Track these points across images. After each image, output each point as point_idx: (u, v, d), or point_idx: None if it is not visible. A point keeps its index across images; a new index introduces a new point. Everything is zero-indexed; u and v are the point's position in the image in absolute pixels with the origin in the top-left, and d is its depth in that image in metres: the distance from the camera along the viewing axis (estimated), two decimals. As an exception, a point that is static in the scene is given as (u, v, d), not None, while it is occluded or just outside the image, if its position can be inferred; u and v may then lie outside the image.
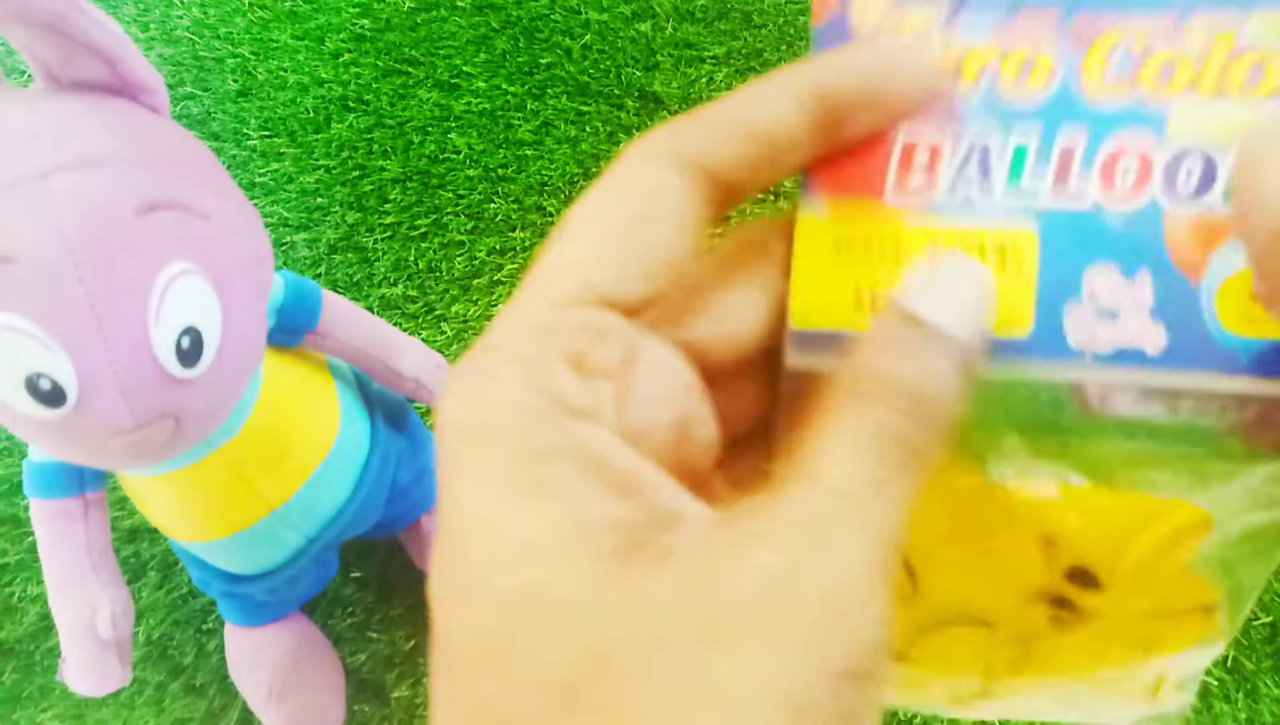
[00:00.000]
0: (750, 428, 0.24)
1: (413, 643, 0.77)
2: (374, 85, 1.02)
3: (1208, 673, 0.72)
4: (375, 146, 0.99)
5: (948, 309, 0.20)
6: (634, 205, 0.21)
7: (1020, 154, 0.21)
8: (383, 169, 0.97)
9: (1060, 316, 0.20)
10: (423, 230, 0.94)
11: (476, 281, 0.92)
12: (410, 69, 1.03)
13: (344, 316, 0.65)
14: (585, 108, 1.00)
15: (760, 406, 0.24)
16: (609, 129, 0.99)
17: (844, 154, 0.21)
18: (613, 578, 0.17)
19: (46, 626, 0.76)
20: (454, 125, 1.00)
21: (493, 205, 0.95)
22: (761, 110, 0.21)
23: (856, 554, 0.17)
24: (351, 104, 1.01)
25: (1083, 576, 0.24)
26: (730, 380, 0.23)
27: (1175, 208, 0.20)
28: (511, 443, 0.18)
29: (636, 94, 1.01)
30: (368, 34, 1.06)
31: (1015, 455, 0.22)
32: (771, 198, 0.91)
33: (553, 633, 0.17)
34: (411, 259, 0.92)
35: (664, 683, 0.16)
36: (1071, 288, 0.20)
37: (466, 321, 0.90)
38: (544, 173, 0.97)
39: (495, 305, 0.90)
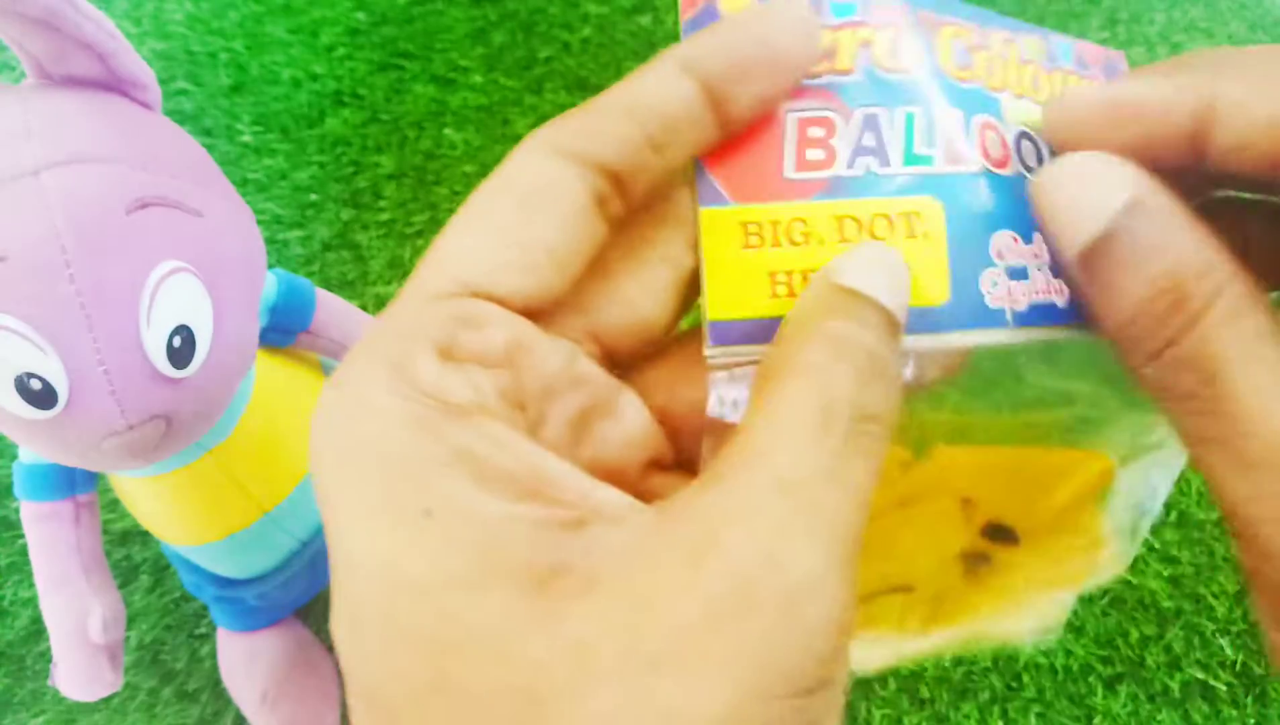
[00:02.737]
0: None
1: (409, 646, 0.76)
2: (369, 80, 1.02)
3: (1215, 677, 0.72)
4: (370, 142, 0.98)
5: (875, 280, 0.20)
6: (511, 198, 0.20)
7: (910, 122, 0.21)
8: (377, 165, 0.96)
9: (976, 281, 0.21)
10: (418, 227, 0.93)
11: (473, 279, 0.91)
12: (405, 63, 1.03)
13: (338, 315, 0.64)
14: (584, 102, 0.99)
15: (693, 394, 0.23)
16: (608, 125, 0.97)
17: (735, 139, 0.21)
18: (540, 611, 0.16)
19: (38, 630, 0.76)
20: (450, 120, 0.99)
21: (489, 202, 0.94)
22: (644, 91, 0.20)
23: (810, 558, 0.16)
24: (346, 99, 1.01)
25: (1001, 532, 0.26)
26: (649, 366, 0.23)
27: (1034, 177, 0.22)
28: (388, 461, 0.17)
29: (636, 89, 1.00)
30: (362, 28, 1.05)
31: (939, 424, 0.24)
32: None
33: (486, 675, 0.16)
34: (407, 257, 0.91)
35: (607, 718, 0.15)
36: (982, 254, 0.21)
37: (463, 320, 0.89)
38: (541, 169, 0.95)
39: (492, 303, 0.89)
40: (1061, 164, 0.20)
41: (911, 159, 0.21)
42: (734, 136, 0.21)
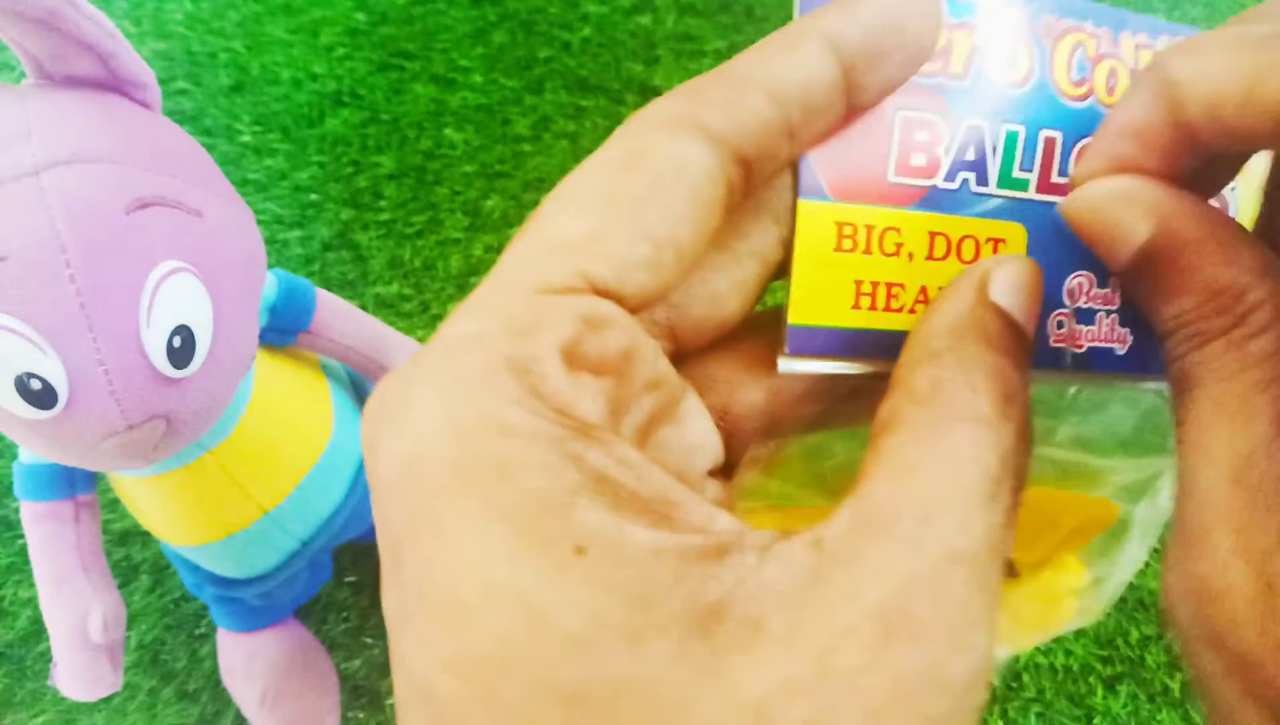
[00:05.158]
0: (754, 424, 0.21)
1: (409, 647, 0.76)
2: (369, 80, 1.02)
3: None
4: (370, 142, 0.98)
5: (1026, 307, 0.19)
6: (642, 180, 0.17)
7: (1011, 143, 0.20)
8: (377, 165, 0.96)
9: (1045, 319, 0.21)
10: (418, 227, 0.93)
11: (473, 280, 0.91)
12: (405, 63, 1.03)
13: (338, 315, 0.64)
14: (584, 102, 0.99)
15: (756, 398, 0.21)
16: (608, 124, 0.98)
17: (839, 131, 0.19)
18: (709, 665, 0.14)
19: (38, 630, 0.76)
20: (450, 120, 0.99)
21: (489, 202, 0.94)
22: (788, 70, 0.18)
23: (987, 640, 0.15)
24: (346, 99, 1.01)
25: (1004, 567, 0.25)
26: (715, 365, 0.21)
27: (1061, 203, 0.21)
28: (527, 488, 0.15)
29: (636, 88, 1.00)
30: (362, 28, 1.05)
31: None
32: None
33: None
34: (407, 257, 0.91)
35: None
36: (1055, 292, 0.21)
37: (463, 320, 0.88)
38: (542, 169, 0.96)
39: (492, 303, 0.89)
40: (1091, 190, 0.20)
41: (1007, 181, 0.20)
42: (840, 126, 0.20)
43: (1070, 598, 0.26)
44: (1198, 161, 0.19)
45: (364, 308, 0.68)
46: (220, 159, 0.53)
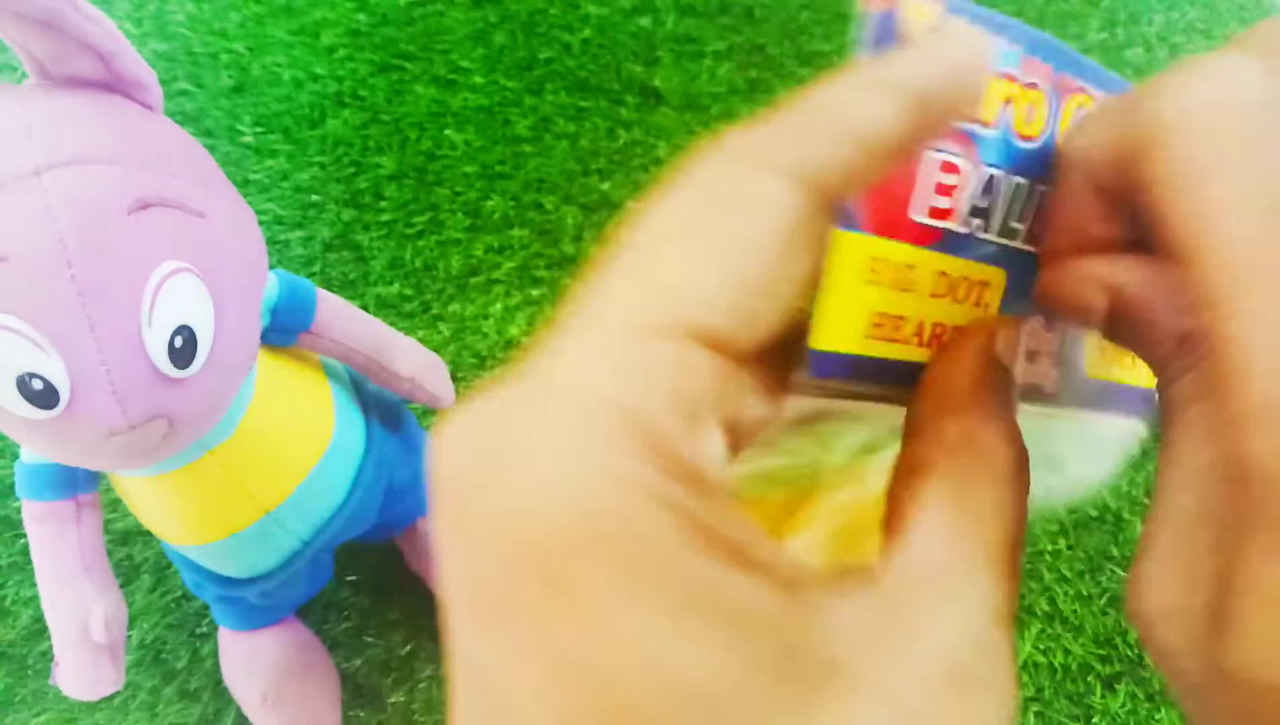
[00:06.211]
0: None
1: (409, 647, 0.77)
2: (370, 81, 1.02)
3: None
4: (371, 143, 0.98)
5: (1013, 363, 0.21)
6: (734, 222, 0.17)
7: (1015, 193, 0.21)
8: (378, 166, 0.96)
9: None
10: (419, 228, 0.93)
11: (474, 280, 0.91)
12: (406, 64, 1.03)
13: (339, 315, 0.64)
14: (584, 103, 1.00)
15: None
16: (608, 125, 0.98)
17: None
18: (799, 712, 0.15)
19: (39, 630, 0.76)
20: (451, 121, 0.99)
21: (490, 202, 0.94)
22: (863, 112, 0.17)
23: (1015, 689, 0.17)
24: (347, 100, 1.01)
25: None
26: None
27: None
28: (650, 547, 0.15)
29: (636, 89, 1.01)
30: (363, 29, 1.05)
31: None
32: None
33: None
34: (407, 257, 0.92)
35: None
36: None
37: (464, 320, 0.89)
38: (542, 169, 0.96)
39: (492, 304, 0.90)
40: (1049, 277, 0.22)
41: (1003, 230, 0.22)
42: None
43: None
44: (1128, 220, 0.20)
45: (365, 308, 0.68)
46: (222, 160, 0.53)
